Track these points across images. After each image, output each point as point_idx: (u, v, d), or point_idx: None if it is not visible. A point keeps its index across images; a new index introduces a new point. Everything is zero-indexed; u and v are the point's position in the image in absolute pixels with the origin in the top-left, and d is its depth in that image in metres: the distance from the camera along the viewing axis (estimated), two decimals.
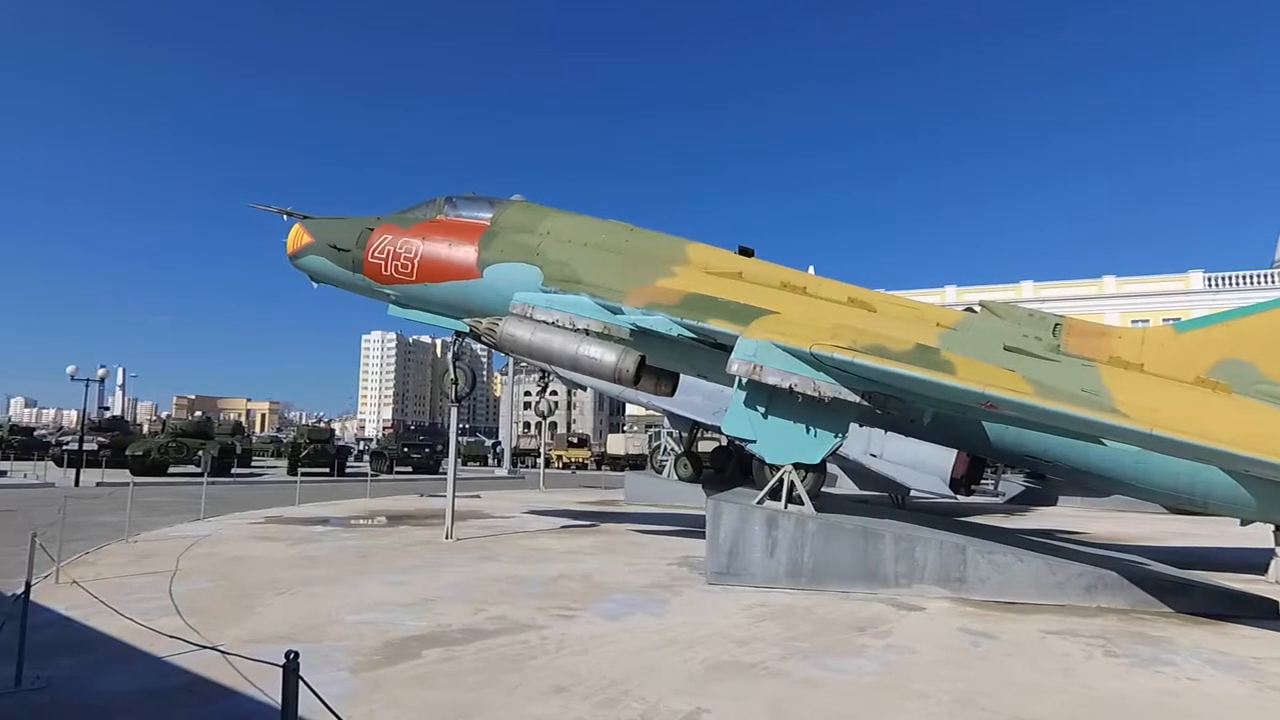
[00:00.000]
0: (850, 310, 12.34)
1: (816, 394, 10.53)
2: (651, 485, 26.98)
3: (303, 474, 32.28)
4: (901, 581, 10.34)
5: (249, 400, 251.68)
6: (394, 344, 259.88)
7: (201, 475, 33.24)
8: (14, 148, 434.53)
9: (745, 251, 13.79)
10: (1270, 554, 12.74)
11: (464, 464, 57.04)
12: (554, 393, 43.23)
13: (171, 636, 7.01)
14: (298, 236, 15.61)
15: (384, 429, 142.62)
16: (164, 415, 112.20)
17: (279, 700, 5.45)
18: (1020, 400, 9.27)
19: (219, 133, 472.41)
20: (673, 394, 15.23)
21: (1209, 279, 64.19)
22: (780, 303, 12.33)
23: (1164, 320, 57.59)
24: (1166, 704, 6.22)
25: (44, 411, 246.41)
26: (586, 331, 12.33)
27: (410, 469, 46.91)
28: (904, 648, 7.71)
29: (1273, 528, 12.31)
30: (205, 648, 6.63)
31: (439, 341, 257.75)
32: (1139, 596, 9.86)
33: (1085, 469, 11.93)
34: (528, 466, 61.86)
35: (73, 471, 32.39)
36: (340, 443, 53.25)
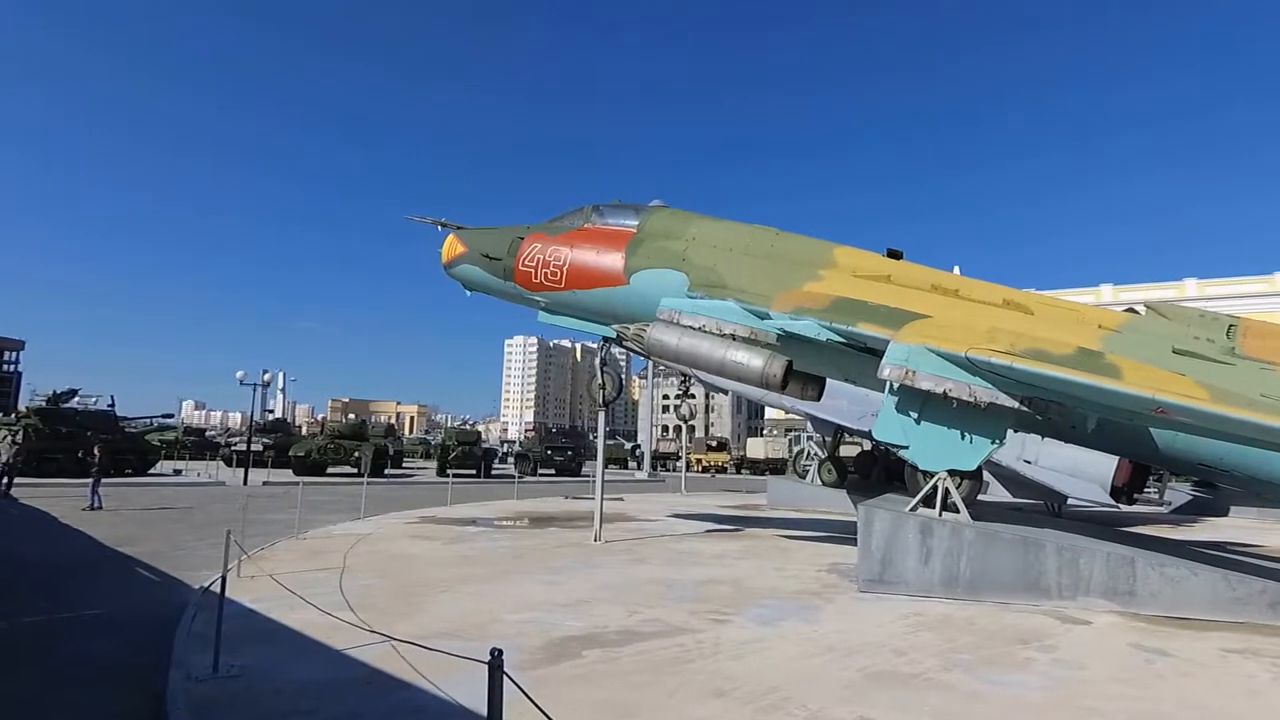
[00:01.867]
0: (1005, 313, 11.90)
1: (972, 399, 10.26)
2: (794, 490, 26.80)
3: (452, 475, 33.80)
4: (1065, 594, 9.92)
5: (398, 403, 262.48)
6: (535, 348, 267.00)
7: (357, 475, 35.33)
8: (175, 158, 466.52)
9: (894, 254, 13.52)
10: None
11: (605, 467, 57.94)
12: (692, 396, 43.57)
13: (358, 626, 7.40)
14: (452, 246, 16.26)
15: (526, 431, 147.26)
16: (320, 417, 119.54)
17: (449, 693, 6.00)
18: (1195, 406, 8.72)
19: (370, 135, 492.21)
20: (819, 399, 15.15)
21: None
22: (932, 306, 12.06)
23: None
24: None
25: (212, 413, 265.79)
26: (733, 336, 12.35)
27: (553, 471, 48.24)
28: (1072, 663, 7.44)
29: None
30: (401, 639, 7.00)
31: (579, 345, 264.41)
32: None
33: (1265, 478, 11.05)
34: (667, 469, 62.49)
35: (241, 471, 34.59)
36: (486, 445, 55.21)
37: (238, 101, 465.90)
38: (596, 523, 16.17)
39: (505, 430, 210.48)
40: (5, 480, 23.70)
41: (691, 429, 57.04)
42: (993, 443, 10.82)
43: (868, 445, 27.59)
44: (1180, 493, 29.29)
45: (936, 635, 8.45)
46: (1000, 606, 9.93)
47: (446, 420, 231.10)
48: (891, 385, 11.09)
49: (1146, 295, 58.27)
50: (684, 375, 29.77)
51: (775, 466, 60.87)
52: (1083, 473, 18.70)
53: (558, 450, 50.58)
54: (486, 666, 3.71)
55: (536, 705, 3.79)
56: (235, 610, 7.66)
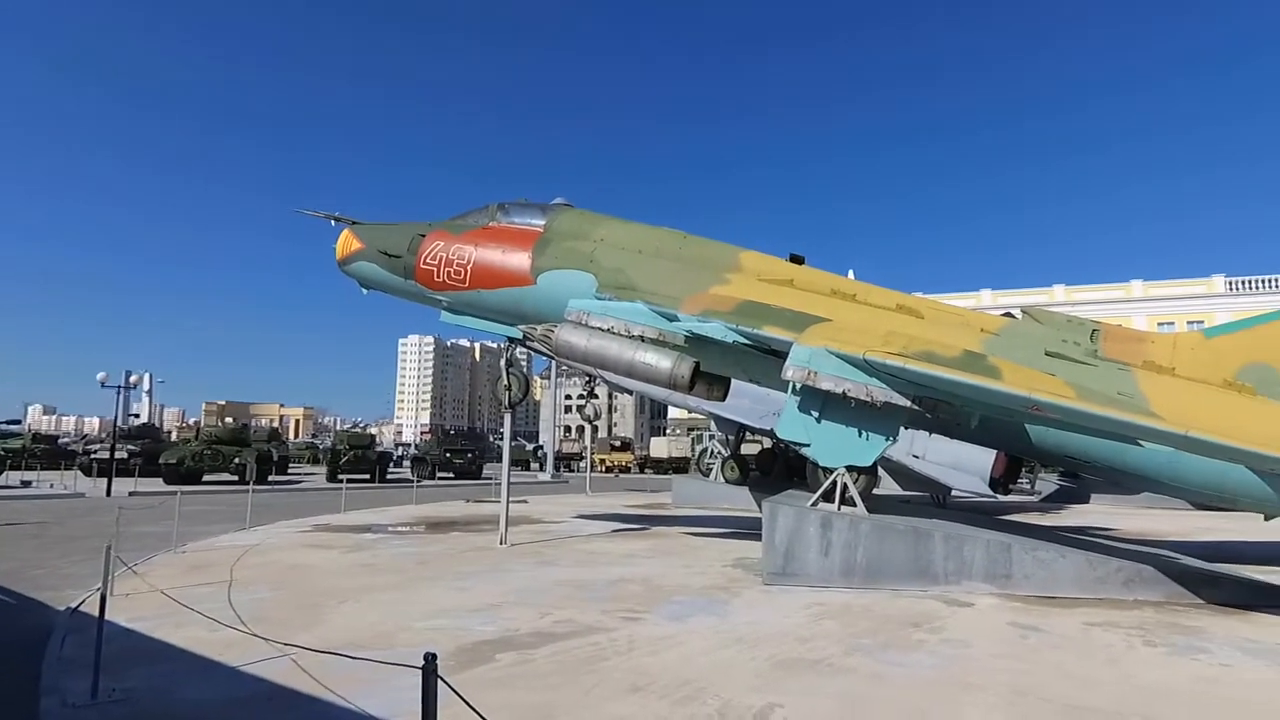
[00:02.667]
0: (899, 317, 12.66)
1: (869, 399, 10.88)
2: (698, 488, 27.31)
3: (345, 481, 32.51)
4: (951, 579, 10.67)
5: (282, 405, 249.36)
6: (431, 348, 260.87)
7: (240, 483, 33.47)
8: (41, 142, 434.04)
9: (796, 259, 14.08)
10: None
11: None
12: (595, 396, 43.61)
13: (243, 647, 7.15)
14: (347, 242, 15.79)
15: (422, 434, 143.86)
16: (193, 422, 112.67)
17: (359, 705, 5.91)
18: (1066, 404, 9.58)
19: (251, 129, 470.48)
20: (724, 399, 15.54)
21: (1230, 283, 65.63)
22: (832, 310, 12.68)
23: (1188, 323, 58.29)
24: (1206, 690, 6.54)
25: (64, 418, 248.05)
26: (642, 338, 12.55)
27: (453, 474, 46.89)
28: (959, 642, 8.04)
29: None
30: (280, 658, 6.82)
31: (478, 345, 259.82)
32: (1173, 589, 10.23)
33: (1122, 469, 12.19)
34: (571, 470, 62.34)
35: (103, 481, 31.83)
36: (380, 448, 53.22)
37: (98, 84, 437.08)
38: (503, 526, 15.94)
39: (400, 433, 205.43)
40: None
41: (595, 429, 57.10)
42: (887, 439, 11.48)
43: (769, 443, 28.47)
44: (1049, 483, 31.76)
45: (837, 623, 8.93)
46: (894, 593, 10.58)
47: (336, 423, 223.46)
48: (794, 385, 11.58)
49: (1021, 300, 63.48)
50: (588, 376, 29.84)
51: (679, 465, 61.73)
52: (965, 466, 19.97)
53: (457, 453, 49.16)
54: (420, 671, 3.65)
55: (474, 709, 3.86)
56: (111, 630, 7.08)
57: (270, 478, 39.08)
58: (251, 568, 12.67)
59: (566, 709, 5.98)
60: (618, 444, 76.78)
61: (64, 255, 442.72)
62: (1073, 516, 25.39)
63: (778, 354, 11.96)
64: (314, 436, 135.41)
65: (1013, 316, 13.11)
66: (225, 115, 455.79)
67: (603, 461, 68.46)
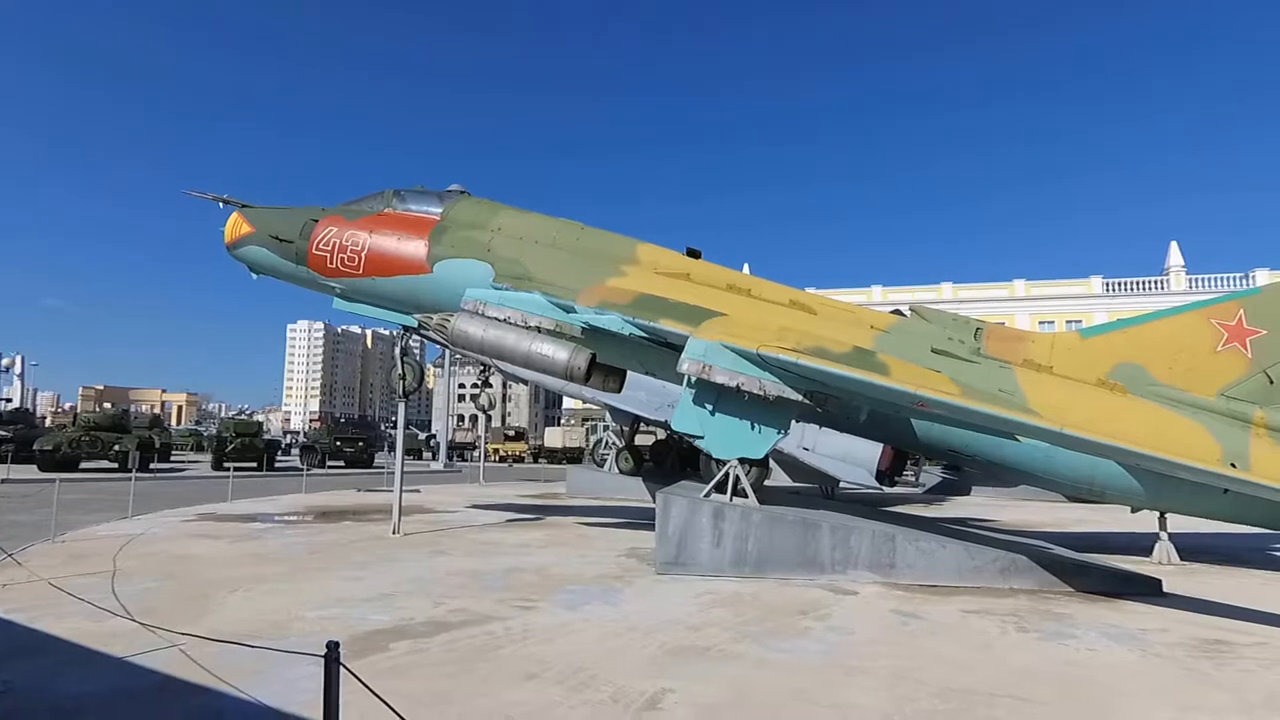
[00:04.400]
0: (793, 313, 13.01)
1: (762, 393, 11.16)
2: (593, 478, 27.49)
3: (232, 469, 31.45)
4: (838, 568, 11.06)
5: (164, 391, 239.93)
6: (321, 334, 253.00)
7: (120, 471, 32.51)
8: None
9: (693, 253, 14.29)
10: (1155, 538, 13.99)
11: None
12: (490, 385, 43.20)
13: (131, 638, 6.92)
14: (236, 225, 15.31)
15: (312, 421, 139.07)
16: (69, 406, 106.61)
17: (251, 694, 5.75)
18: (949, 400, 10.07)
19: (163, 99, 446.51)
20: (620, 390, 15.62)
21: (1107, 284, 69.55)
22: (727, 304, 12.91)
23: (1068, 322, 62.03)
24: (1070, 673, 6.97)
25: None
26: (539, 329, 12.58)
27: (344, 463, 46.20)
28: (843, 629, 8.35)
29: (1158, 514, 13.50)
30: (170, 648, 6.68)
31: (369, 332, 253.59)
32: (1045, 578, 10.81)
33: (1000, 462, 12.89)
34: (464, 460, 61.61)
35: None
36: (269, 436, 51.83)
37: None
38: (395, 515, 15.76)
39: (288, 420, 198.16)
40: None
41: (489, 418, 56.55)
42: (779, 432, 11.82)
43: (663, 435, 28.84)
44: (933, 475, 33.39)
45: (728, 611, 9.14)
46: (783, 582, 10.90)
47: (221, 410, 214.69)
48: (690, 379, 11.73)
49: (910, 297, 66.40)
50: (483, 365, 29.51)
51: (573, 455, 62.06)
52: (853, 458, 20.79)
53: (348, 441, 48.43)
54: (322, 660, 3.65)
55: (377, 695, 3.77)
56: None
57: (153, 465, 37.83)
58: (136, 558, 12.22)
59: (462, 697, 5.94)
60: (512, 433, 76.31)
61: None
62: (954, 508, 26.65)
63: (674, 347, 12.12)
64: (198, 423, 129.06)
65: (901, 314, 13.65)
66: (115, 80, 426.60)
67: (496, 451, 68.00)
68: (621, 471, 26.73)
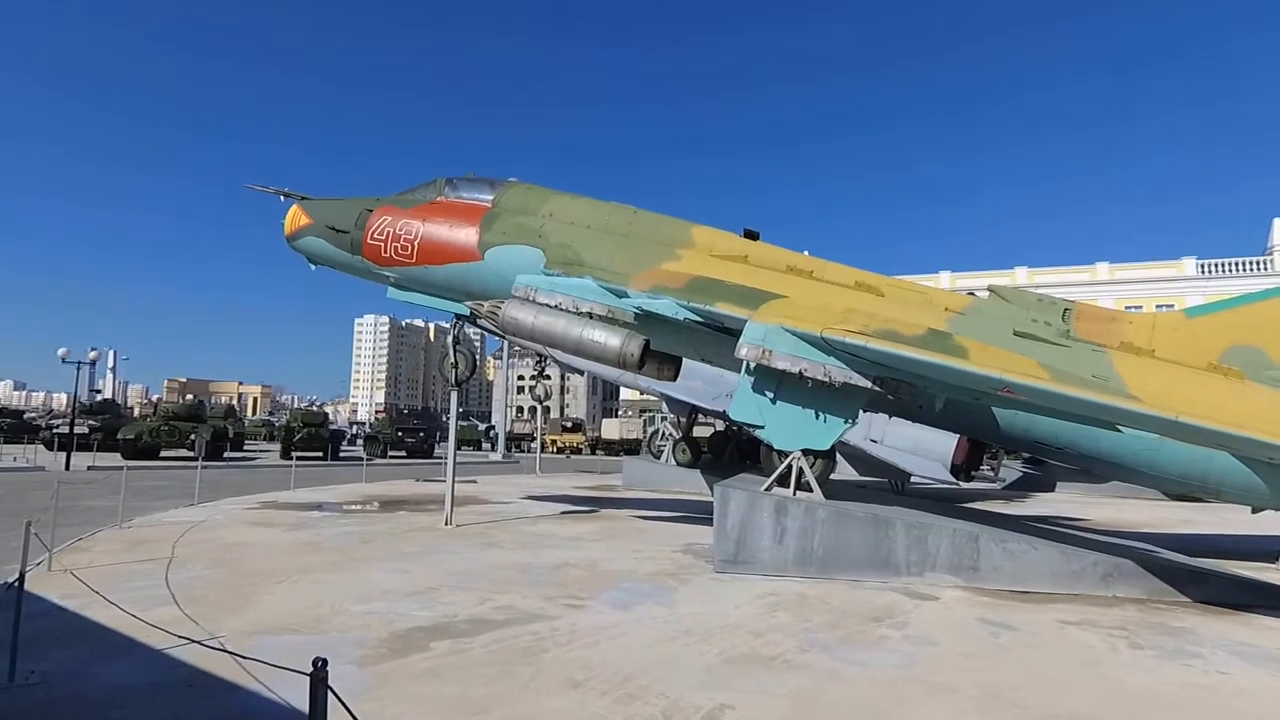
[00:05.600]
0: (858, 294, 12.14)
1: (827, 379, 10.36)
2: (649, 470, 26.80)
3: (297, 458, 32.05)
4: (914, 570, 10.21)
5: (241, 384, 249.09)
6: (386, 327, 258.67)
7: (194, 459, 33.16)
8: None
9: (750, 235, 13.58)
10: None
11: (458, 448, 56.74)
12: (547, 377, 43.07)
13: (166, 631, 6.62)
14: (295, 217, 15.35)
15: (377, 413, 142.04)
16: (155, 398, 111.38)
17: (281, 695, 5.46)
18: (1040, 386, 9.11)
19: (208, 120, 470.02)
20: (675, 379, 15.06)
21: (1202, 265, 64.73)
22: (788, 286, 12.14)
23: (1158, 306, 58.02)
24: (1201, 699, 6.10)
25: (33, 394, 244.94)
26: (590, 315, 12.10)
27: (404, 453, 46.78)
28: (923, 639, 7.57)
29: None
30: (204, 642, 6.45)
31: (432, 325, 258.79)
32: (1155, 586, 9.74)
33: (1095, 455, 11.81)
34: (522, 451, 61.77)
35: (64, 455, 31.98)
36: (334, 427, 52.76)
37: (62, 81, 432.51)
38: (448, 506, 15.58)
39: (355, 411, 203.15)
40: None
41: (547, 410, 56.51)
42: (846, 422, 11.00)
43: (721, 425, 28.09)
44: (1013, 469, 31.57)
45: (792, 615, 8.44)
46: (852, 584, 10.11)
47: (292, 401, 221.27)
48: (748, 365, 11.07)
49: (981, 282, 62.54)
50: (540, 355, 29.18)
51: (630, 447, 61.49)
52: (925, 451, 19.66)
53: (409, 432, 49.09)
54: (308, 679, 3.23)
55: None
56: (41, 608, 6.88)
57: (226, 454, 38.76)
58: (193, 545, 12.29)
59: (501, 705, 5.52)
60: (569, 425, 76.18)
61: (35, 242, 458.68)
62: (1037, 505, 25.15)
63: (730, 332, 11.53)
64: (271, 414, 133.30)
65: (978, 296, 12.65)
66: (176, 109, 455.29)
67: (554, 442, 68.03)
68: (679, 463, 26.02)
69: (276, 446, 49.31)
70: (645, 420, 59.03)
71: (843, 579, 10.26)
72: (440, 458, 43.07)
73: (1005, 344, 10.83)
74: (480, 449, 65.30)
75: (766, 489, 11.00)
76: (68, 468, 29.65)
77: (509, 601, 8.80)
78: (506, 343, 48.62)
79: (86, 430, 37.00)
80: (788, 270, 12.72)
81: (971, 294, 13.31)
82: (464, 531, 14.64)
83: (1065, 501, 26.53)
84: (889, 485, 22.38)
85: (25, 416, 62.85)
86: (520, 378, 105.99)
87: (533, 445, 62.86)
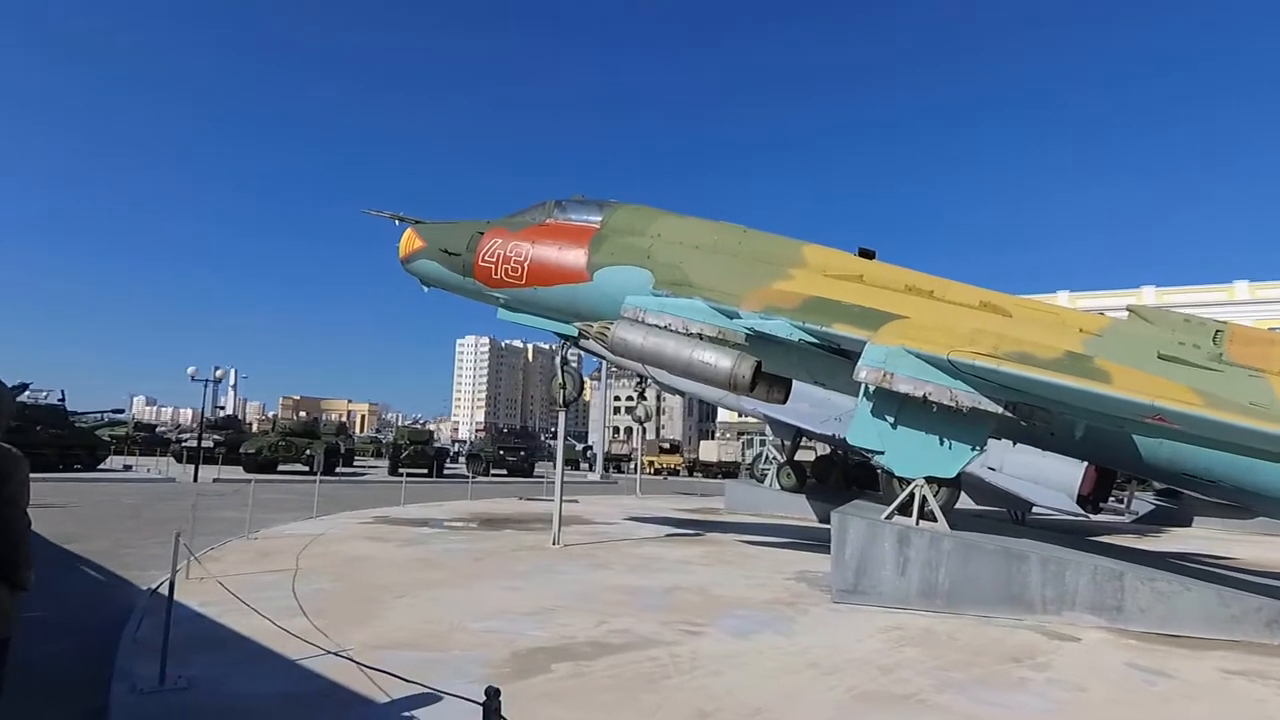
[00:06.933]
0: (984, 315, 11.58)
1: (953, 404, 9.89)
2: (752, 494, 26.28)
3: (405, 474, 33.00)
4: (1050, 608, 9.55)
5: (349, 401, 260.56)
6: (486, 348, 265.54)
7: (308, 473, 34.80)
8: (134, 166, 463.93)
9: (865, 253, 13.18)
10: None
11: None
12: (645, 398, 43.10)
13: (303, 640, 7.00)
14: (409, 241, 15.73)
15: (477, 431, 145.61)
16: (271, 415, 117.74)
17: (413, 712, 5.51)
18: (1199, 414, 8.39)
19: (338, 142, 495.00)
20: (785, 401, 14.75)
21: None
22: (908, 307, 11.72)
23: None
24: None
25: (163, 409, 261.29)
26: (700, 336, 11.97)
27: (505, 471, 47.46)
28: (1069, 683, 7.05)
29: None
30: (339, 654, 6.58)
31: (530, 346, 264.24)
32: None
33: (1252, 489, 10.86)
34: (620, 471, 61.94)
35: (191, 467, 33.98)
36: (438, 444, 54.24)
37: (183, 105, 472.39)
38: (555, 526, 15.66)
39: (456, 430, 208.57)
40: None
41: (644, 430, 56.62)
42: (973, 449, 10.45)
43: (827, 449, 27.40)
44: (1144, 501, 29.29)
45: (922, 651, 8.03)
46: (982, 620, 9.56)
47: (397, 419, 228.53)
48: (867, 388, 10.68)
49: (1102, 303, 58.67)
50: (640, 376, 29.12)
51: (728, 469, 60.80)
52: (1048, 480, 18.59)
53: (510, 450, 49.80)
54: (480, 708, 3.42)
55: None
56: (183, 614, 7.13)
57: (337, 469, 40.34)
58: (315, 557, 12.72)
59: None
60: (667, 446, 75.97)
61: (164, 267, 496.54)
62: (1174, 540, 23.31)
63: (846, 354, 11.20)
64: (378, 431, 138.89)
65: (1111, 316, 11.90)
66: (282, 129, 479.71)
67: (651, 463, 67.89)
68: (783, 488, 25.39)
69: (383, 462, 51.27)
70: (743, 442, 58.13)
71: (971, 614, 9.72)
72: (541, 477, 43.65)
73: (1148, 368, 10.12)
74: (578, 468, 65.85)
75: (887, 517, 10.56)
76: (196, 479, 31.20)
77: (625, 625, 8.69)
78: (604, 364, 49.06)
79: (211, 444, 39.21)
80: (906, 290, 12.26)
81: (1102, 314, 12.56)
82: (572, 551, 14.67)
83: (1204, 537, 24.44)
84: (1009, 515, 21.18)
85: (156, 430, 67.49)
86: (617, 398, 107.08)
87: (629, 465, 63.17)
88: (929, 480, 10.53)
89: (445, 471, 46.04)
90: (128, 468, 38.07)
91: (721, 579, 12.12)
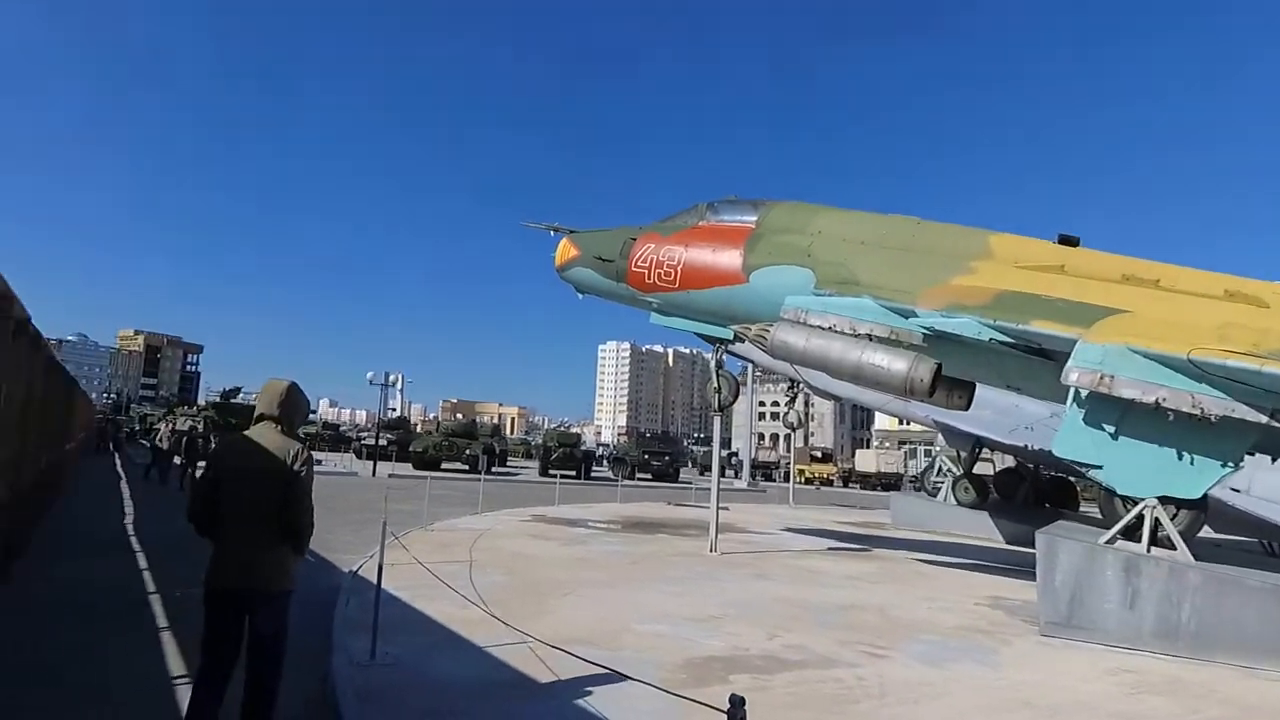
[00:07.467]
0: (1232, 306, 9.82)
1: (1197, 411, 8.39)
2: (924, 509, 24.32)
3: (558, 476, 33.55)
4: None
5: (500, 404, 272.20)
6: (628, 353, 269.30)
7: (470, 472, 37.47)
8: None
9: (1067, 240, 11.61)
10: None
11: (702, 474, 57.05)
12: (794, 403, 41.68)
13: (503, 621, 7.42)
14: (565, 250, 15.67)
15: (620, 435, 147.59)
16: (432, 416, 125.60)
17: (596, 708, 5.54)
18: None
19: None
20: (967, 407, 13.30)
21: None
22: (1127, 299, 10.13)
23: None
24: None
25: (343, 411, 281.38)
26: (870, 337, 10.89)
27: (650, 475, 47.73)
28: None
29: None
30: (529, 644, 6.50)
31: (670, 351, 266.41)
32: None
33: None
34: (768, 479, 60.54)
35: (370, 463, 37.52)
36: (585, 447, 55.10)
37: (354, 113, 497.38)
38: (712, 533, 15.30)
39: (599, 433, 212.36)
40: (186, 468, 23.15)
41: (792, 437, 54.94)
42: (1224, 465, 8.82)
43: (1012, 461, 25.11)
44: None
45: (1171, 702, 6.78)
46: (1244, 671, 7.98)
47: (544, 422, 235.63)
48: (1078, 393, 9.36)
49: None
50: (792, 381, 27.81)
51: (889, 481, 57.79)
52: None
53: (655, 455, 50.14)
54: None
55: None
56: (382, 597, 7.23)
57: (493, 469, 42.03)
58: (485, 551, 13.30)
59: None
60: (819, 455, 72.98)
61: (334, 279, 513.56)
62: None
63: (1046, 355, 9.92)
64: (527, 433, 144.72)
65: None
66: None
67: (802, 472, 65.85)
68: (960, 503, 23.27)
69: (534, 463, 53.06)
70: (905, 452, 55.31)
71: (1225, 662, 8.18)
72: (687, 482, 43.65)
73: None
74: (724, 475, 65.02)
75: (1108, 541, 9.18)
76: (374, 474, 33.95)
77: (799, 640, 8.13)
78: (751, 368, 47.95)
79: (385, 443, 42.07)
80: (1124, 280, 10.66)
81: None
82: (730, 560, 14.20)
83: None
84: (1261, 547, 18.05)
85: (339, 429, 74.85)
86: (762, 404, 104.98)
87: (777, 474, 61.58)
88: (1163, 501, 9.06)
89: (592, 474, 46.63)
90: (318, 462, 40.78)
91: (898, 599, 11.14)
